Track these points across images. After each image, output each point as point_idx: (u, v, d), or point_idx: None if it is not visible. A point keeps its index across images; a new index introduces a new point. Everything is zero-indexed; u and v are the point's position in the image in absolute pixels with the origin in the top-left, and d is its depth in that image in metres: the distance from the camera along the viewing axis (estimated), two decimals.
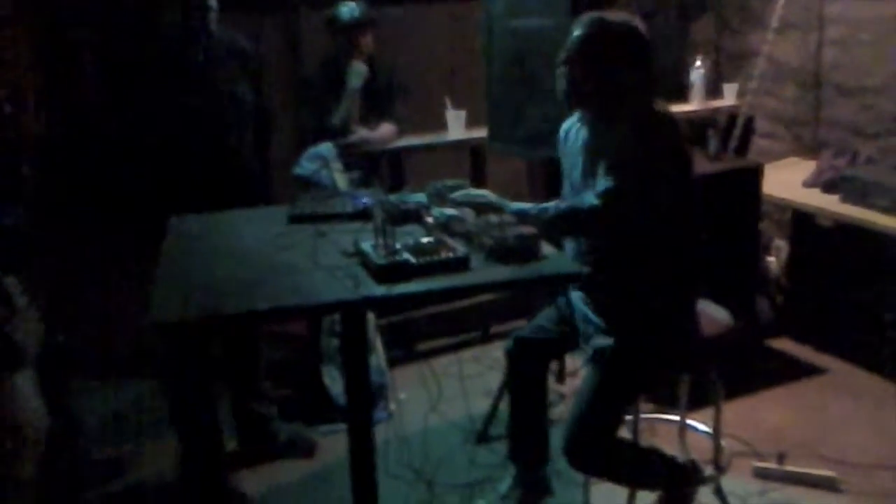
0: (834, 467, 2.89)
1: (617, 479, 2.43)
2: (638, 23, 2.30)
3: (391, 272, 2.05)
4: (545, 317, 2.60)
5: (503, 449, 2.87)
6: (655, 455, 2.45)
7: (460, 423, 3.20)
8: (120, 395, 3.52)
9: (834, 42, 4.01)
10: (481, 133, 3.48)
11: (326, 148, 3.34)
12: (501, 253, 2.18)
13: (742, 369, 3.41)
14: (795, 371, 3.66)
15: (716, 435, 2.63)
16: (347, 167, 3.39)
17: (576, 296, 2.46)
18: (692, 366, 2.56)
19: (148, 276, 2.15)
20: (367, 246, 2.16)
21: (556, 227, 2.30)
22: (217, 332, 2.95)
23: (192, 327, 1.99)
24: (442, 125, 3.91)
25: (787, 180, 3.79)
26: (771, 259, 4.13)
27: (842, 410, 3.34)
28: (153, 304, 1.97)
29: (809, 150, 4.15)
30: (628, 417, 2.50)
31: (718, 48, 4.57)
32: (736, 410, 3.22)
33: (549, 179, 3.62)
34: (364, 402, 2.29)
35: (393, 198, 2.57)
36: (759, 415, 3.30)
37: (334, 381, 3.35)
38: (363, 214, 2.46)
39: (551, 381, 3.28)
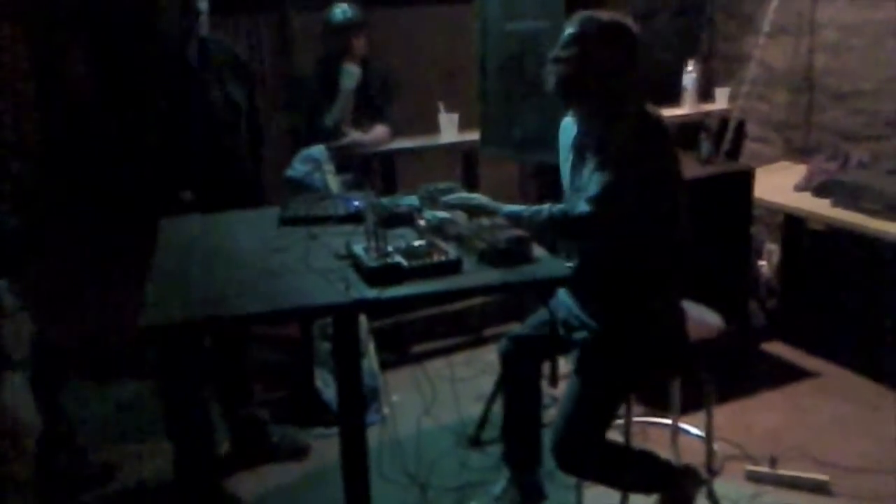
0: (826, 471, 2.90)
1: (606, 481, 2.43)
2: (629, 21, 2.31)
3: (383, 275, 2.05)
4: (538, 317, 2.60)
5: (496, 452, 2.87)
6: (649, 458, 2.45)
7: (453, 427, 3.20)
8: (116, 395, 3.51)
9: (825, 47, 4.02)
10: (474, 136, 3.49)
11: (319, 150, 3.33)
12: (493, 256, 2.18)
13: (734, 373, 3.42)
14: (787, 374, 3.66)
15: (708, 438, 2.64)
16: (340, 170, 3.39)
17: (562, 290, 2.47)
18: (684, 369, 2.56)
19: (144, 277, 2.14)
20: (359, 249, 2.16)
21: (548, 231, 2.30)
22: (208, 334, 2.96)
23: (184, 330, 1.99)
24: (435, 128, 3.91)
25: (779, 184, 3.80)
26: (762, 263, 4.15)
27: (834, 414, 3.34)
28: (144, 307, 1.97)
29: (801, 154, 4.16)
30: (620, 421, 2.50)
31: (711, 52, 4.58)
32: (728, 414, 3.23)
33: (540, 183, 3.63)
34: (356, 405, 2.28)
35: (385, 201, 2.57)
36: (752, 418, 3.30)
37: (326, 385, 3.34)
38: (355, 217, 2.46)
39: (544, 385, 3.28)
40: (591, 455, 2.33)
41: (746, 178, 3.65)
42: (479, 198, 2.39)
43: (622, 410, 2.47)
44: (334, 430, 2.93)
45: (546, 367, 3.34)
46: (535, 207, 2.30)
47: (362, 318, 3.31)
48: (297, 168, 3.29)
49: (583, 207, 2.21)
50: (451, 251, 2.17)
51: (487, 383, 3.29)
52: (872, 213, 3.31)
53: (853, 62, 3.91)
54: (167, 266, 2.26)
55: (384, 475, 2.77)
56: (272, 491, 2.96)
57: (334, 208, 2.60)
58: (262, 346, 3.47)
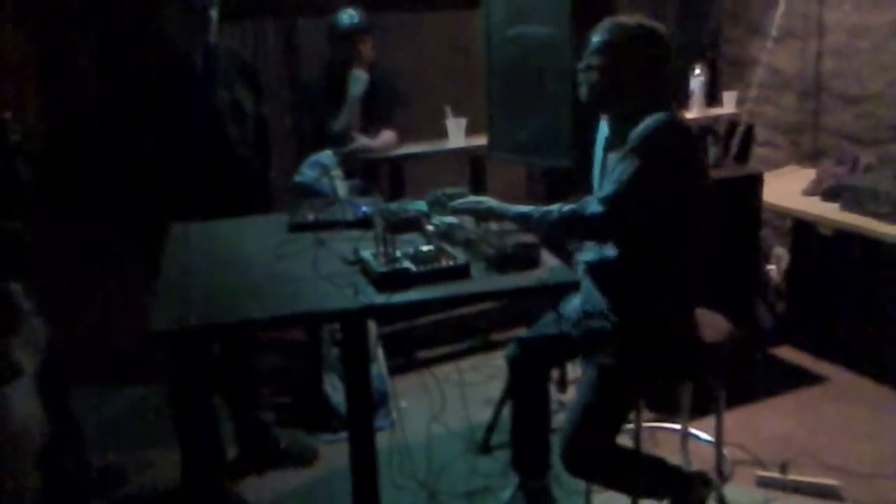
0: (836, 476, 2.88)
1: (615, 486, 2.42)
2: (657, 25, 2.32)
3: (391, 280, 2.05)
4: (546, 322, 2.59)
5: (505, 458, 2.86)
6: (658, 464, 2.44)
7: (462, 432, 3.19)
8: (122, 401, 3.51)
9: (833, 50, 4.02)
10: (481, 141, 3.49)
11: (327, 156, 3.33)
12: (501, 261, 2.18)
13: (743, 378, 3.40)
14: (797, 379, 3.65)
15: (718, 444, 2.63)
16: (348, 175, 3.39)
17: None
18: (693, 374, 2.55)
19: (149, 282, 2.15)
20: (367, 254, 2.16)
21: (559, 232, 2.30)
22: (217, 340, 2.96)
23: (193, 335, 1.99)
24: (442, 133, 3.92)
25: (787, 188, 3.79)
26: (771, 267, 4.13)
27: (843, 418, 3.33)
28: (153, 312, 1.97)
29: (809, 158, 4.15)
30: (630, 426, 2.49)
31: (718, 56, 4.58)
32: (738, 419, 3.22)
33: (549, 187, 3.63)
34: (365, 410, 2.28)
35: (393, 206, 2.57)
36: (761, 423, 3.29)
37: (335, 390, 3.34)
38: (363, 222, 2.46)
39: (552, 390, 3.28)
40: (600, 459, 2.33)
41: (755, 182, 3.64)
42: (487, 201, 2.39)
43: (632, 416, 2.46)
44: (343, 435, 2.93)
45: (554, 373, 3.33)
46: (545, 208, 2.28)
47: (371, 324, 3.31)
48: (306, 173, 3.29)
49: (595, 208, 2.20)
50: (460, 256, 2.17)
51: (496, 388, 3.28)
52: (881, 217, 3.30)
53: (860, 65, 3.90)
54: (176, 271, 2.26)
55: (393, 481, 2.76)
56: (280, 496, 2.96)
57: (342, 214, 2.60)
58: (271, 352, 3.47)
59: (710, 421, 2.63)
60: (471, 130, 3.86)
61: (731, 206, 3.55)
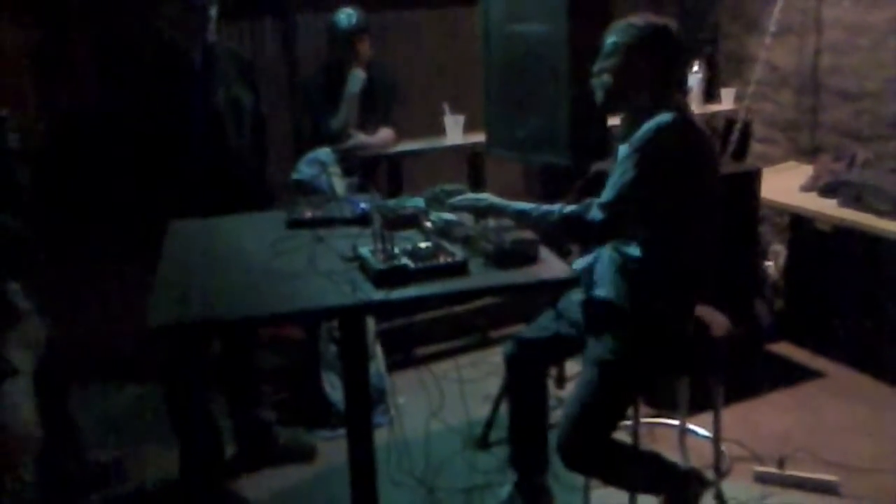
0: (834, 471, 2.89)
1: (610, 479, 2.43)
2: (667, 22, 2.32)
3: (390, 277, 2.05)
4: (545, 320, 2.60)
5: (503, 454, 2.86)
6: (654, 459, 2.44)
7: (460, 428, 3.20)
8: (120, 398, 3.52)
9: (831, 47, 4.02)
10: (479, 138, 3.49)
11: (325, 153, 3.34)
12: (500, 257, 2.18)
13: (742, 374, 3.40)
14: (795, 375, 3.66)
15: (716, 439, 2.63)
16: (346, 172, 3.39)
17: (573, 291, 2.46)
18: (692, 370, 2.55)
19: (148, 280, 2.15)
20: (365, 251, 2.16)
21: (558, 232, 2.30)
22: (215, 336, 2.96)
23: (191, 332, 1.99)
24: (440, 130, 3.92)
25: (785, 185, 3.79)
26: (769, 263, 4.14)
27: (841, 414, 3.33)
28: (152, 309, 1.97)
29: (807, 154, 4.16)
30: (628, 422, 2.49)
31: (716, 53, 4.58)
32: (736, 415, 3.22)
33: (546, 184, 3.63)
34: (363, 407, 2.28)
35: (391, 203, 2.57)
36: (760, 419, 3.30)
37: (333, 387, 3.35)
38: (361, 219, 2.46)
39: (551, 386, 3.28)
40: (596, 454, 2.33)
41: (753, 178, 3.64)
42: (487, 198, 2.39)
43: (631, 412, 2.46)
44: (341, 432, 2.94)
45: (553, 369, 3.34)
46: (546, 207, 2.29)
47: (369, 321, 3.31)
48: (304, 171, 3.29)
49: (595, 214, 2.22)
50: (458, 253, 2.17)
51: (494, 385, 3.29)
52: (879, 213, 3.31)
53: (859, 62, 3.91)
54: (174, 268, 2.26)
55: (391, 477, 2.77)
56: (279, 493, 2.97)
57: (340, 211, 2.60)
58: (269, 349, 3.47)
59: (709, 417, 2.64)
60: (469, 127, 3.86)
61: (729, 203, 3.54)
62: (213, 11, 2.79)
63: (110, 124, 3.27)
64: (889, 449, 3.04)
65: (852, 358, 3.69)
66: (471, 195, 2.45)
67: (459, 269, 2.12)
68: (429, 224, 2.39)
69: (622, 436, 2.44)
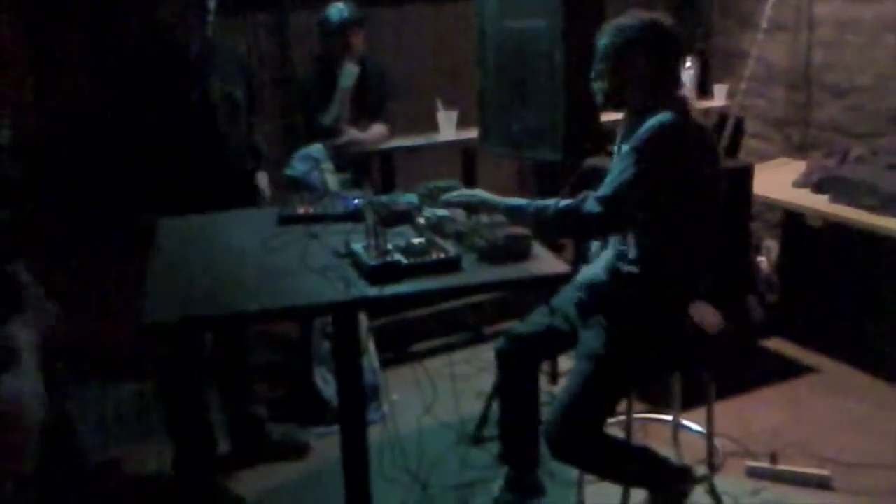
0: (826, 466, 2.90)
1: (599, 471, 2.43)
2: (659, 17, 2.30)
3: (382, 273, 2.05)
4: (538, 316, 2.60)
5: (496, 450, 2.86)
6: (644, 454, 2.44)
7: (453, 425, 3.20)
8: (117, 395, 3.50)
9: (823, 43, 4.03)
10: (472, 134, 3.48)
11: (317, 149, 3.33)
12: (492, 253, 2.18)
13: (734, 369, 3.41)
14: (787, 371, 3.67)
15: (709, 435, 2.64)
16: (338, 168, 3.38)
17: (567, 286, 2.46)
18: (684, 365, 2.56)
19: (143, 277, 2.14)
20: (358, 247, 2.16)
21: (553, 227, 2.29)
22: (207, 333, 2.96)
23: (184, 328, 1.99)
24: (433, 126, 3.91)
25: (778, 181, 3.80)
26: (762, 259, 4.14)
27: (834, 409, 3.35)
28: (144, 306, 1.97)
29: (799, 150, 4.17)
30: (621, 417, 2.50)
31: (709, 49, 4.58)
32: (728, 410, 3.23)
33: (539, 180, 3.63)
34: (357, 403, 2.28)
35: (384, 199, 2.57)
36: (752, 414, 3.31)
37: (327, 383, 3.34)
38: (354, 215, 2.46)
39: (544, 382, 3.28)
40: (585, 445, 2.32)
41: (745, 174, 3.64)
42: (480, 194, 2.39)
43: (623, 406, 2.47)
44: (334, 428, 2.93)
45: (546, 365, 3.34)
46: (541, 202, 2.28)
47: (362, 317, 3.31)
48: (296, 167, 3.29)
49: (593, 207, 2.20)
50: (451, 249, 2.17)
51: (487, 381, 3.29)
52: (871, 209, 3.31)
53: (851, 58, 3.92)
54: (166, 265, 2.26)
55: (384, 473, 2.77)
56: (272, 490, 2.96)
57: (333, 207, 2.60)
58: (262, 345, 3.47)
59: (701, 412, 2.65)
60: (462, 124, 3.86)
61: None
62: (212, 4, 2.79)
63: (106, 119, 3.26)
64: (881, 444, 3.05)
65: (845, 353, 3.70)
66: (464, 191, 2.44)
67: (452, 265, 2.12)
68: (422, 220, 2.39)
69: (615, 431, 2.45)
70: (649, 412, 3.13)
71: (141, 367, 3.41)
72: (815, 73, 4.08)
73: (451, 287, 2.12)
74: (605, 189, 2.22)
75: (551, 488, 2.70)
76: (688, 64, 4.30)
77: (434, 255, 2.14)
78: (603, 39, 2.31)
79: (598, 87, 2.34)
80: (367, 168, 3.75)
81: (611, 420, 2.39)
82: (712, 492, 2.65)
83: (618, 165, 2.24)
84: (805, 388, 3.54)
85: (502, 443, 2.73)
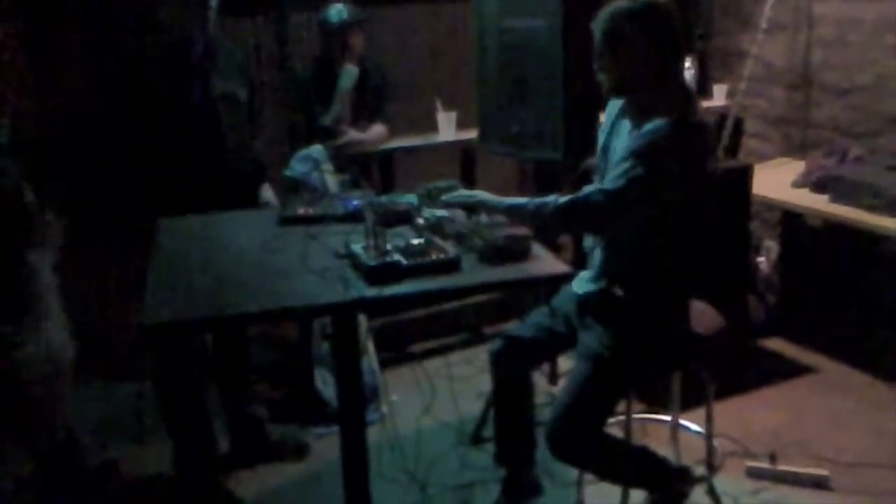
0: (826, 466, 2.90)
1: (598, 471, 2.43)
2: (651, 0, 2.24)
3: (382, 274, 2.05)
4: (536, 317, 2.59)
5: (494, 451, 2.86)
6: (644, 454, 2.44)
7: (452, 425, 3.20)
8: (117, 395, 3.50)
9: (823, 42, 4.03)
10: (472, 135, 3.48)
11: (317, 150, 3.33)
12: (492, 254, 2.18)
13: (733, 369, 3.42)
14: (786, 371, 3.67)
15: (708, 435, 2.64)
16: (338, 169, 3.39)
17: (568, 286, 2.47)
18: (683, 365, 2.56)
19: (144, 278, 2.14)
20: (357, 247, 2.16)
21: (555, 223, 2.28)
22: (208, 334, 2.96)
23: (183, 329, 1.99)
24: (433, 127, 3.91)
25: (777, 180, 3.80)
26: (761, 259, 4.15)
27: (833, 409, 3.35)
28: (144, 306, 1.97)
29: (799, 150, 4.17)
30: (621, 417, 2.50)
31: (708, 49, 4.58)
32: (728, 410, 3.23)
33: (539, 180, 3.63)
34: (356, 404, 2.29)
35: (384, 199, 2.57)
36: (751, 414, 3.31)
37: (326, 384, 3.35)
38: (354, 216, 2.46)
39: (543, 383, 3.29)
40: (585, 445, 2.32)
41: (745, 174, 3.65)
42: (479, 194, 2.39)
43: (623, 406, 2.47)
44: (334, 428, 2.93)
45: (545, 366, 3.34)
46: (540, 199, 2.25)
47: (361, 317, 3.31)
48: (296, 168, 3.29)
49: (597, 197, 2.17)
50: (450, 249, 2.18)
51: (486, 381, 3.26)
52: (870, 209, 3.31)
53: (851, 58, 3.91)
54: (166, 266, 2.26)
55: (384, 474, 2.77)
56: (272, 490, 2.97)
57: (333, 207, 2.60)
58: (262, 346, 3.47)
59: (701, 412, 2.65)
60: (461, 124, 3.86)
61: (721, 199, 3.56)
62: (214, 2, 2.79)
63: (106, 119, 3.26)
64: (880, 443, 3.06)
65: (844, 353, 3.70)
66: (463, 192, 2.44)
67: (452, 266, 2.12)
68: (421, 221, 2.39)
69: (614, 431, 2.45)
70: (648, 412, 3.14)
71: (140, 368, 3.41)
72: (815, 73, 4.08)
73: (450, 288, 2.12)
74: (609, 184, 2.18)
75: (550, 489, 2.70)
76: (687, 64, 4.30)
77: (433, 256, 2.14)
78: (597, 30, 2.26)
79: (602, 77, 2.29)
80: (366, 169, 3.75)
81: (610, 420, 2.39)
82: (712, 492, 2.65)
83: (621, 165, 2.19)
84: (804, 389, 3.54)
85: (498, 443, 2.72)
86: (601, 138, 2.41)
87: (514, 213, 2.28)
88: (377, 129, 3.68)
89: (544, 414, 2.72)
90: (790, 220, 4.03)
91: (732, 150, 4.36)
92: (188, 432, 2.84)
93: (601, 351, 2.30)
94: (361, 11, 3.58)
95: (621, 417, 2.50)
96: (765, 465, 2.91)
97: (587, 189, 2.23)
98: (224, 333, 3.01)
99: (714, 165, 2.32)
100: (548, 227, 2.27)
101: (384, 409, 3.33)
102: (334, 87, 3.54)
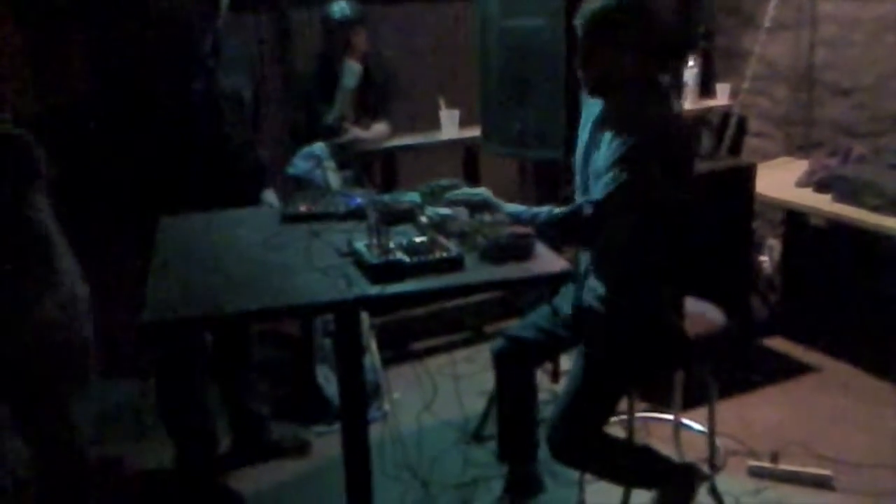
0: (828, 466, 2.90)
1: (600, 472, 2.44)
2: None
3: (385, 272, 2.05)
4: (539, 315, 2.59)
5: (496, 448, 2.87)
6: (646, 453, 2.44)
7: (454, 423, 3.20)
8: (117, 393, 3.51)
9: (826, 42, 4.02)
10: (475, 133, 3.48)
11: (320, 147, 3.33)
12: (495, 252, 2.18)
13: (736, 368, 3.42)
14: (789, 370, 3.66)
15: (710, 434, 2.64)
16: (341, 166, 3.39)
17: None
18: (685, 364, 2.56)
19: (146, 275, 2.14)
20: (360, 245, 2.15)
21: (547, 234, 2.29)
22: (210, 331, 2.96)
23: (184, 327, 1.99)
24: (435, 125, 3.91)
25: (780, 180, 3.79)
26: (764, 258, 4.14)
27: (835, 409, 3.34)
28: (145, 304, 1.97)
29: (802, 149, 4.16)
30: (623, 416, 2.50)
31: (711, 48, 4.58)
32: (730, 409, 3.23)
33: (540, 179, 3.63)
34: (358, 401, 2.28)
35: (386, 197, 2.57)
36: (753, 414, 3.30)
37: (328, 381, 3.35)
38: (357, 214, 2.46)
39: (546, 381, 3.29)
40: (585, 447, 2.33)
41: (748, 173, 3.65)
42: (482, 193, 2.39)
43: (624, 406, 2.47)
44: (336, 426, 2.94)
45: (547, 364, 3.34)
46: (535, 210, 2.27)
47: (364, 315, 3.31)
48: (298, 165, 3.29)
49: (587, 209, 2.18)
50: (453, 248, 2.17)
51: (489, 379, 3.27)
52: (873, 209, 3.31)
53: (854, 57, 3.91)
54: (168, 263, 2.26)
55: (386, 471, 2.77)
56: (273, 487, 2.97)
57: (335, 205, 2.60)
58: (264, 344, 3.47)
59: (703, 411, 2.65)
60: (464, 122, 3.86)
61: (724, 198, 3.56)
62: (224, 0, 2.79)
63: (109, 116, 3.25)
64: (883, 443, 3.05)
65: (846, 352, 3.70)
66: (467, 190, 2.44)
67: (455, 264, 2.12)
68: (424, 219, 2.39)
69: (616, 430, 2.45)
70: (651, 411, 3.14)
71: (142, 365, 3.42)
72: (818, 73, 4.07)
73: (453, 286, 2.12)
74: (598, 194, 2.17)
75: (552, 487, 2.70)
76: (690, 63, 4.29)
77: (436, 254, 2.14)
78: (580, 23, 2.25)
79: (582, 75, 2.29)
80: (369, 167, 3.75)
81: (613, 419, 2.39)
82: (714, 491, 2.65)
83: (604, 176, 2.17)
84: (807, 388, 3.54)
85: (500, 441, 2.72)
86: (580, 147, 2.39)
87: (511, 219, 2.29)
88: (380, 127, 3.68)
89: (546, 412, 2.72)
90: (793, 220, 4.03)
91: (735, 149, 4.36)
92: (189, 430, 2.85)
93: (595, 353, 2.30)
94: (364, 9, 3.58)
95: (623, 416, 2.50)
96: (767, 464, 2.91)
97: (577, 202, 2.25)
98: (226, 331, 3.01)
99: (692, 173, 2.31)
100: (544, 237, 2.26)
101: (386, 406, 3.33)
102: (337, 85, 3.54)
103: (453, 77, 4.08)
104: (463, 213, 2.38)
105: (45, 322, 2.30)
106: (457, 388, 3.17)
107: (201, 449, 2.89)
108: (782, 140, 4.31)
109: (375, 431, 2.67)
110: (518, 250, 2.19)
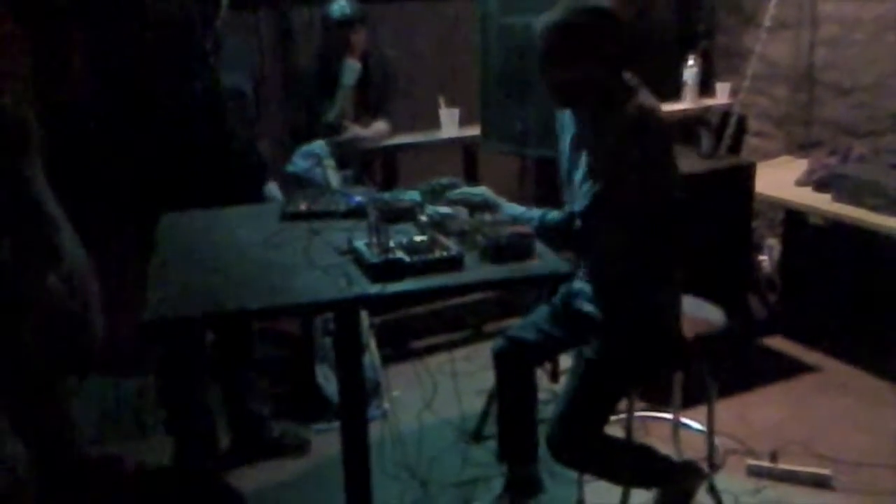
0: (827, 465, 2.90)
1: (601, 474, 2.44)
2: (600, 3, 2.20)
3: (385, 271, 2.05)
4: (539, 315, 2.59)
5: (496, 447, 2.87)
6: (647, 453, 2.44)
7: (454, 422, 3.20)
8: (118, 391, 3.50)
9: (826, 41, 4.02)
10: (474, 131, 3.48)
11: (319, 146, 3.33)
12: (495, 251, 2.18)
13: (735, 368, 3.42)
14: (788, 369, 3.67)
15: (709, 433, 2.64)
16: (341, 165, 3.38)
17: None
18: (683, 366, 2.56)
19: (146, 273, 2.14)
20: (360, 244, 2.15)
21: (543, 236, 2.29)
22: (210, 330, 2.96)
23: (185, 325, 1.99)
24: (435, 123, 3.91)
25: (780, 179, 3.79)
26: (763, 258, 4.14)
27: (834, 408, 3.34)
28: (145, 302, 1.97)
29: (802, 148, 4.16)
30: (622, 416, 2.50)
31: (711, 47, 4.57)
32: (729, 409, 3.23)
33: (540, 178, 3.63)
34: (357, 400, 2.28)
35: (386, 196, 2.57)
36: (753, 413, 3.31)
37: (328, 380, 3.35)
38: (356, 212, 2.46)
39: (545, 381, 3.29)
40: (585, 448, 2.33)
41: (747, 172, 3.65)
42: (482, 192, 2.39)
43: (623, 405, 2.47)
44: (335, 425, 2.93)
45: (547, 364, 3.34)
46: (529, 213, 2.28)
47: (363, 314, 3.31)
48: (298, 163, 3.28)
49: (574, 222, 2.20)
50: (453, 246, 2.17)
51: (488, 378, 3.27)
52: (873, 208, 3.31)
53: (854, 56, 3.91)
54: (168, 261, 2.26)
55: (385, 470, 2.77)
56: (273, 486, 2.97)
57: (335, 204, 2.60)
58: (264, 342, 3.47)
59: (702, 410, 2.65)
60: (464, 121, 3.86)
61: (724, 197, 3.56)
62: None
63: (111, 112, 3.24)
64: (882, 443, 3.06)
65: (846, 352, 3.70)
66: (467, 189, 2.44)
67: (455, 263, 2.12)
68: (424, 217, 2.39)
69: (615, 430, 2.45)
70: (650, 410, 3.14)
71: (141, 364, 3.42)
72: (818, 72, 4.07)
73: (453, 285, 2.12)
74: (581, 203, 2.19)
75: (552, 487, 2.70)
76: (690, 62, 4.29)
77: (436, 253, 2.14)
78: (542, 36, 2.22)
79: (547, 88, 2.28)
80: (369, 165, 3.75)
81: (612, 418, 2.39)
82: (713, 490, 2.65)
83: (584, 185, 2.19)
84: (806, 387, 3.54)
85: (500, 440, 2.73)
86: (562, 160, 2.39)
87: (512, 217, 2.29)
88: (380, 126, 3.68)
89: (546, 412, 2.72)
90: (792, 219, 4.03)
91: (735, 148, 4.36)
92: (189, 428, 2.85)
93: (592, 356, 2.30)
94: (364, 8, 3.58)
95: (623, 416, 2.50)
96: (766, 463, 2.91)
97: (568, 212, 2.25)
98: (226, 329, 3.01)
99: (674, 168, 2.30)
100: (541, 238, 2.26)
101: (386, 405, 3.33)
102: (337, 83, 3.54)
103: (453, 76, 4.07)
104: (463, 212, 2.38)
105: (49, 293, 2.27)
106: (456, 386, 3.16)
107: (201, 447, 2.89)
108: (782, 139, 4.31)
109: (375, 430, 2.67)
110: (518, 250, 2.19)
